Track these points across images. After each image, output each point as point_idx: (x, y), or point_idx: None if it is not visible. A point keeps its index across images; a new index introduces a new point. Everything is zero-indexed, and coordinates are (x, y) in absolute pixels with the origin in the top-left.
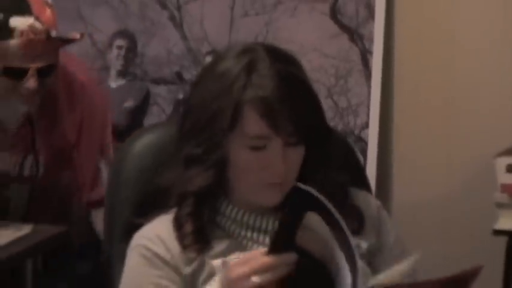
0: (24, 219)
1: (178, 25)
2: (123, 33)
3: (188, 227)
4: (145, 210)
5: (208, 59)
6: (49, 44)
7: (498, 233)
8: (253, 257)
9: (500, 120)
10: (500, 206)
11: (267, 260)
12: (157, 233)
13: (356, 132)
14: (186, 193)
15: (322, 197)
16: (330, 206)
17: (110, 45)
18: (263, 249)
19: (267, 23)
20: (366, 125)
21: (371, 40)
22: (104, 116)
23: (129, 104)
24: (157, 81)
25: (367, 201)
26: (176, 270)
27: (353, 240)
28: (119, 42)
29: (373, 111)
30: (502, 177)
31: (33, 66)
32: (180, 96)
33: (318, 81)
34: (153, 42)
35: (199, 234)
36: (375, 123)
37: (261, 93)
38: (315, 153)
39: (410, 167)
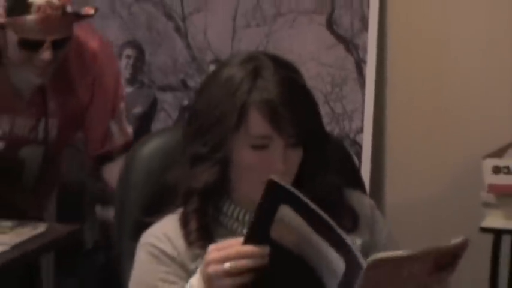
0: (38, 180)
1: (183, 35)
2: (132, 44)
3: (193, 224)
4: (153, 210)
5: (212, 68)
6: (64, 19)
7: (485, 230)
8: (230, 245)
9: (487, 124)
10: (487, 205)
11: (241, 248)
12: (164, 232)
13: (351, 136)
14: (192, 190)
15: (296, 191)
16: (304, 198)
17: (119, 54)
18: (241, 239)
19: (267, 33)
20: (361, 130)
21: (365, 50)
22: (115, 79)
23: (138, 110)
24: (163, 89)
25: (361, 201)
26: (183, 266)
27: (336, 226)
28: (128, 51)
29: (367, 116)
30: (489, 178)
31: (49, 39)
32: (185, 102)
33: (315, 89)
34: (160, 51)
35: (204, 231)
36: (369, 127)
37: (266, 96)
38: (312, 156)
39: (402, 168)
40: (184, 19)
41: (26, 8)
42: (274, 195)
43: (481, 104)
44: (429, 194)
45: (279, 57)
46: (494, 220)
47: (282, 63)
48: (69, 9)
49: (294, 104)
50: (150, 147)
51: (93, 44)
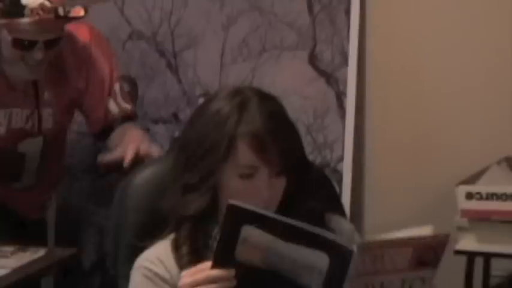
0: (39, 170)
1: (174, 71)
2: (126, 78)
3: (185, 249)
4: (147, 235)
5: (201, 101)
6: (56, 21)
7: (459, 253)
8: (200, 270)
9: (461, 153)
10: (460, 229)
11: (209, 273)
12: (158, 256)
13: (332, 165)
14: (184, 217)
15: (258, 209)
16: (269, 213)
17: None
18: (209, 263)
19: (252, 68)
20: (341, 159)
21: (345, 83)
22: (109, 63)
23: None
24: (156, 121)
25: (341, 225)
26: (174, 287)
27: (312, 227)
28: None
29: (347, 146)
30: (462, 204)
31: (42, 39)
32: (176, 134)
33: (298, 120)
34: (152, 86)
35: (194, 255)
36: (349, 157)
37: (251, 129)
38: (295, 183)
39: (380, 195)
40: (175, 56)
41: (20, 10)
42: (234, 218)
43: (455, 135)
44: (406, 218)
45: (262, 91)
46: (468, 243)
47: (265, 96)
48: (60, 11)
49: (279, 136)
50: (144, 175)
51: (83, 34)
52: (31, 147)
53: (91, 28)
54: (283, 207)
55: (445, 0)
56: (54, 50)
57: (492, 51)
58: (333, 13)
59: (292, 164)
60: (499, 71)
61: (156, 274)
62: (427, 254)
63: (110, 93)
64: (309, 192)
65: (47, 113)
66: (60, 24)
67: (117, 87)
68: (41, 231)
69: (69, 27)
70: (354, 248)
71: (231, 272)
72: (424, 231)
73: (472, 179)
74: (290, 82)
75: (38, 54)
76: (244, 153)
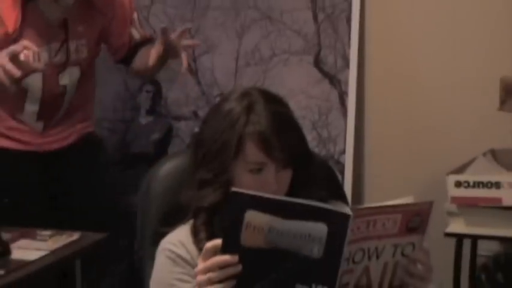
0: (79, 97)
1: (194, 73)
2: (151, 81)
3: (202, 234)
4: (169, 221)
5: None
6: None
7: (449, 235)
8: (209, 255)
9: (451, 146)
10: (450, 214)
11: (217, 259)
12: (179, 239)
13: (335, 157)
14: (200, 208)
15: (257, 193)
16: (266, 195)
17: (140, 89)
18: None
19: (264, 71)
20: (343, 151)
21: (346, 84)
22: (127, 11)
23: (156, 136)
24: (177, 118)
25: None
26: (194, 268)
27: (307, 202)
28: (148, 87)
29: (349, 140)
30: (452, 191)
31: None
32: (196, 129)
33: (304, 117)
34: (174, 87)
35: (211, 239)
36: (350, 149)
37: (258, 129)
38: (300, 174)
39: (379, 183)
40: (195, 60)
41: None
42: (238, 204)
43: (445, 131)
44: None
45: (269, 93)
46: (457, 227)
47: (271, 98)
48: None
49: (282, 134)
50: (167, 167)
51: None
52: (70, 78)
53: None
54: (291, 196)
55: (435, 12)
56: None
57: (477, 58)
58: (336, 21)
59: (296, 158)
60: (484, 74)
61: (178, 255)
62: (414, 219)
63: (132, 21)
64: (313, 181)
65: (80, 44)
66: None
67: (135, 16)
68: (62, 161)
69: None
70: (350, 212)
71: (235, 258)
72: (407, 200)
73: (460, 169)
74: (297, 83)
75: None
76: (252, 151)
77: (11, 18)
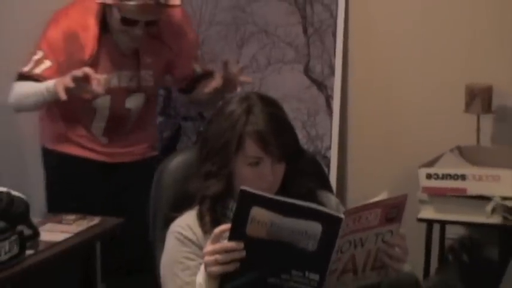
0: (143, 118)
1: None
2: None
3: (207, 219)
4: (178, 208)
5: (221, 103)
6: (157, 7)
7: (420, 220)
8: (217, 240)
9: (421, 144)
10: (421, 202)
11: (225, 244)
12: (187, 223)
13: (322, 152)
14: (205, 196)
15: (263, 193)
16: (271, 196)
17: None
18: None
19: (261, 78)
20: (329, 148)
21: (332, 89)
22: (194, 35)
23: (166, 134)
24: (185, 118)
25: (329, 199)
26: (200, 248)
27: (306, 204)
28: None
29: (334, 138)
30: (423, 182)
31: (143, 20)
32: (201, 129)
33: (295, 118)
34: None
35: (215, 223)
36: (335, 146)
37: (256, 128)
38: (292, 167)
39: (360, 175)
40: None
41: None
42: (245, 201)
43: (417, 130)
44: (379, 193)
45: (265, 96)
46: (427, 213)
47: (267, 101)
48: (162, 0)
49: (277, 132)
50: (176, 161)
51: (178, 13)
52: (135, 102)
53: (183, 8)
54: (284, 186)
55: (410, 27)
56: (152, 28)
57: (446, 67)
58: (323, 35)
59: (289, 154)
60: (452, 81)
61: (186, 237)
62: (392, 211)
63: (196, 57)
64: (303, 173)
65: (148, 74)
66: (159, 10)
67: (198, 52)
68: (122, 176)
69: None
70: (343, 215)
71: (240, 245)
72: (382, 196)
73: (431, 163)
74: (289, 89)
75: (138, 31)
76: (251, 148)
77: (89, 47)
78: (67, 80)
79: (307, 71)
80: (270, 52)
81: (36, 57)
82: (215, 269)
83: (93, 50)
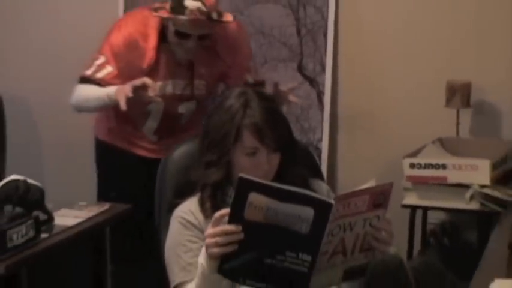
0: (191, 123)
1: None
2: None
3: (208, 205)
4: (181, 194)
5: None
6: (208, 22)
7: (404, 206)
8: (217, 223)
9: (406, 136)
10: (406, 189)
11: (224, 227)
12: (189, 208)
13: (314, 143)
14: (206, 184)
15: (260, 180)
16: (267, 182)
17: None
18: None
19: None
20: (320, 139)
21: (323, 85)
22: (247, 47)
23: None
24: None
25: (321, 186)
26: (202, 231)
27: (299, 190)
28: None
29: (325, 130)
30: (407, 171)
31: (195, 34)
32: (203, 122)
33: (289, 112)
34: None
35: (215, 208)
36: (326, 138)
37: (253, 121)
38: (287, 157)
39: (349, 165)
40: None
41: (182, 10)
42: (243, 187)
43: (402, 123)
44: (366, 181)
45: (261, 92)
46: (411, 200)
47: (263, 96)
48: (214, 16)
49: (273, 125)
50: (179, 153)
51: (233, 25)
52: (187, 108)
53: (238, 22)
54: (279, 174)
55: (395, 29)
56: (205, 42)
57: (429, 65)
58: (315, 35)
59: (283, 144)
60: (434, 78)
61: (188, 221)
62: (379, 198)
63: (248, 68)
64: (298, 163)
65: (201, 84)
66: (211, 25)
67: (252, 64)
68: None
69: (228, 24)
70: (333, 201)
71: (239, 228)
72: (370, 184)
73: (414, 154)
74: (284, 85)
75: (191, 44)
76: (248, 139)
77: (148, 56)
78: (127, 90)
79: (300, 69)
80: (266, 51)
81: (98, 62)
82: (215, 250)
83: (152, 59)
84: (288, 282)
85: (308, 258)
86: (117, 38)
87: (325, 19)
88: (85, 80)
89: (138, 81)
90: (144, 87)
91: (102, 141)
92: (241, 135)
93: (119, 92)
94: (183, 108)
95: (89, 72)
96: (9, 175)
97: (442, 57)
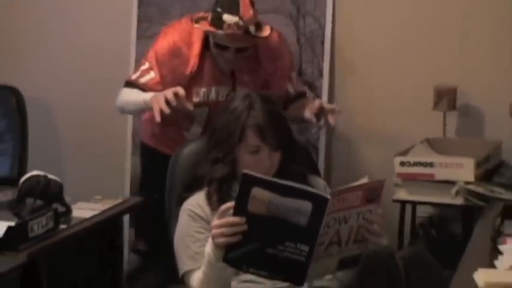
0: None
1: None
2: None
3: (214, 198)
4: (190, 189)
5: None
6: (245, 36)
7: (395, 201)
8: (223, 215)
9: (396, 136)
10: (396, 185)
11: (229, 219)
12: (197, 201)
13: (312, 143)
14: (213, 179)
15: (263, 176)
16: (269, 178)
17: None
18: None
19: None
20: (318, 138)
21: (321, 89)
22: (289, 58)
23: None
24: None
25: (318, 182)
26: (209, 223)
27: (298, 185)
28: None
29: (322, 130)
30: (398, 168)
31: (233, 46)
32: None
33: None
34: None
35: (221, 201)
36: (323, 137)
37: (256, 122)
38: (287, 155)
39: (344, 163)
40: None
41: (220, 24)
42: (247, 182)
43: (394, 123)
44: (360, 177)
45: (264, 95)
46: (401, 195)
47: (266, 99)
48: (251, 30)
49: (274, 125)
50: (187, 150)
51: (274, 35)
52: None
53: (279, 32)
54: (280, 171)
55: (387, 36)
56: (243, 54)
57: (418, 71)
58: (313, 43)
59: (284, 143)
60: (422, 83)
61: (196, 214)
62: (371, 193)
63: (290, 78)
64: (297, 161)
65: (243, 91)
66: (248, 38)
67: (293, 74)
68: None
69: (270, 35)
70: (329, 196)
71: (243, 220)
72: (363, 180)
73: (404, 152)
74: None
75: (229, 56)
76: (251, 138)
77: (192, 63)
78: (161, 103)
79: (300, 74)
80: None
81: (143, 67)
82: (221, 240)
83: (195, 65)
84: (288, 270)
85: (306, 248)
86: (162, 46)
87: (322, 28)
88: (130, 84)
89: (170, 94)
90: (177, 96)
91: (146, 145)
92: (245, 135)
93: (153, 101)
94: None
95: (134, 77)
96: (31, 171)
97: (430, 65)
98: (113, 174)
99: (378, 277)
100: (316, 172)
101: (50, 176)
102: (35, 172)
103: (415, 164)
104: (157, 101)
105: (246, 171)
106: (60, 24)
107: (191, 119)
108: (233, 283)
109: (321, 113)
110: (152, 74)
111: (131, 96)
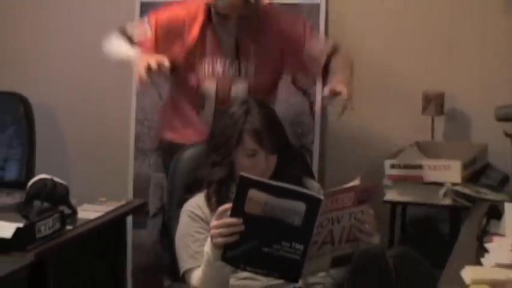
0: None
1: None
2: None
3: (213, 199)
4: (190, 191)
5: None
6: (245, 5)
7: (386, 202)
8: (221, 216)
9: (387, 140)
10: (387, 187)
11: (226, 219)
12: (197, 203)
13: (307, 146)
14: (212, 181)
15: (259, 178)
16: (265, 180)
17: None
18: (227, 205)
19: None
20: (312, 142)
21: (314, 95)
22: (303, 26)
23: None
24: None
25: (312, 184)
26: (208, 224)
27: (293, 187)
28: None
29: (316, 135)
30: (388, 171)
31: (233, 14)
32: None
33: (285, 118)
34: None
35: (220, 203)
36: (317, 141)
37: (253, 126)
38: (282, 158)
39: (337, 166)
40: None
41: None
42: (244, 184)
43: (385, 127)
44: (353, 179)
45: (261, 101)
46: (392, 196)
47: (263, 104)
48: None
49: (270, 130)
50: (188, 154)
51: (274, 13)
52: (239, 91)
53: (279, 10)
54: (276, 173)
55: (378, 43)
56: (246, 23)
57: (408, 77)
58: None
59: (280, 147)
60: (412, 89)
61: (196, 215)
62: (363, 194)
63: (311, 40)
64: (292, 164)
65: (250, 66)
66: (247, 7)
67: (315, 35)
68: None
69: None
70: (322, 197)
71: (240, 220)
72: (355, 182)
73: (394, 155)
74: (280, 95)
75: (231, 25)
76: (249, 142)
77: (193, 35)
78: (142, 70)
79: (294, 81)
80: None
81: (141, 24)
82: (219, 240)
83: (194, 39)
84: (283, 268)
85: (300, 247)
86: (166, 13)
87: None
88: (122, 32)
89: (153, 60)
90: (160, 66)
91: (166, 141)
92: (242, 139)
93: (136, 64)
94: (235, 91)
95: (129, 28)
96: (38, 175)
97: (419, 71)
98: (117, 177)
99: (370, 275)
100: (311, 175)
101: (57, 180)
102: (42, 176)
103: (405, 166)
104: (140, 66)
105: (243, 173)
106: (65, 32)
107: (204, 97)
108: (231, 280)
109: (336, 97)
110: (148, 33)
111: (121, 48)
